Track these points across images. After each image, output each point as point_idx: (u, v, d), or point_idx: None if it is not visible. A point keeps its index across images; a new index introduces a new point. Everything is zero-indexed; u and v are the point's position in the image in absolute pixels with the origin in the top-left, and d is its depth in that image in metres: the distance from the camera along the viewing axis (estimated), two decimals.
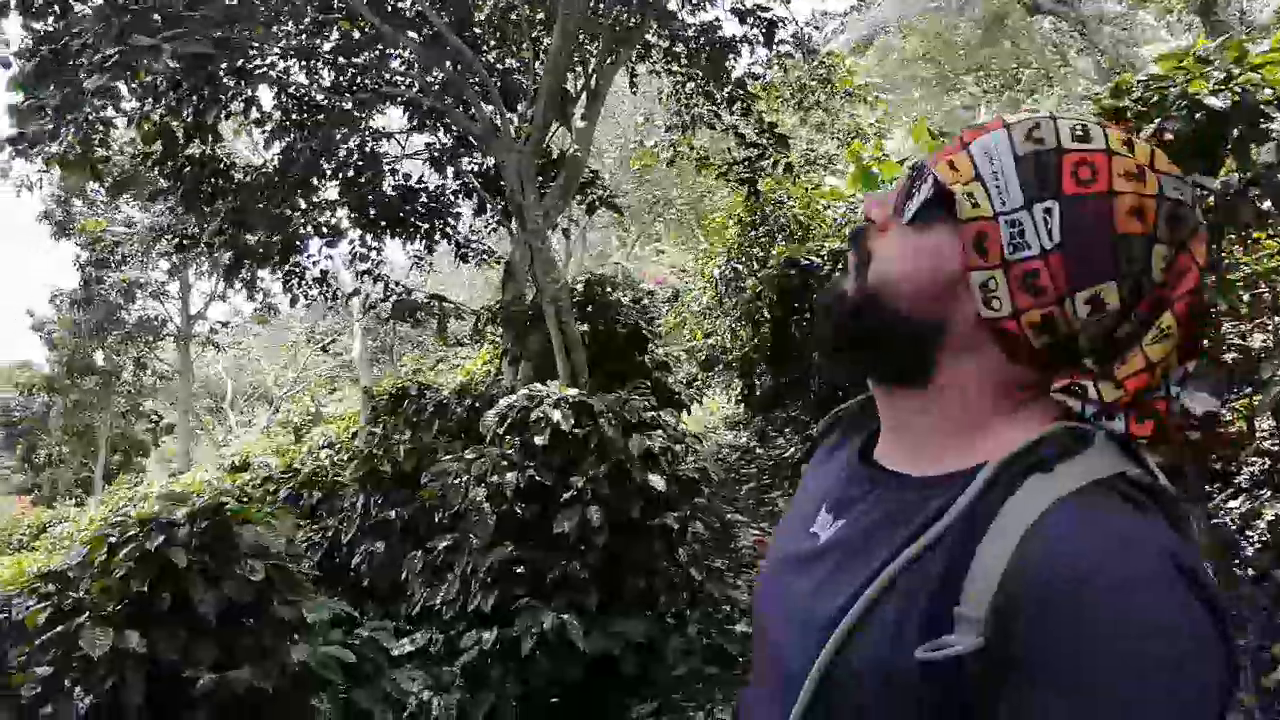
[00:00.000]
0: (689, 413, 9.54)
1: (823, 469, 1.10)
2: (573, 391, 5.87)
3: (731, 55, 10.39)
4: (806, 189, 11.31)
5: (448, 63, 8.56)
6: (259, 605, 3.79)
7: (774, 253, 10.71)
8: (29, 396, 23.72)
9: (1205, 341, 0.84)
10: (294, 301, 11.96)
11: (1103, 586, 0.73)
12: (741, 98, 10.54)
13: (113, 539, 3.81)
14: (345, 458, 8.58)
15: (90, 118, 7.01)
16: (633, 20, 9.62)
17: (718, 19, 10.24)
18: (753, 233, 11.43)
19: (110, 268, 19.82)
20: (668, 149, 13.65)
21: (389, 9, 8.96)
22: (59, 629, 3.51)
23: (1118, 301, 0.85)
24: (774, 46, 9.78)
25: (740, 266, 11.44)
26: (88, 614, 3.51)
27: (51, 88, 6.67)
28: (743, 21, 9.54)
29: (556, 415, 5.56)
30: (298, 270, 10.73)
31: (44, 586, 3.79)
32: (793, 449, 10.77)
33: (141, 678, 3.49)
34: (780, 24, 9.47)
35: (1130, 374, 0.86)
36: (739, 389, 11.64)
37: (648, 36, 10.56)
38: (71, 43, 6.38)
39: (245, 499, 5.40)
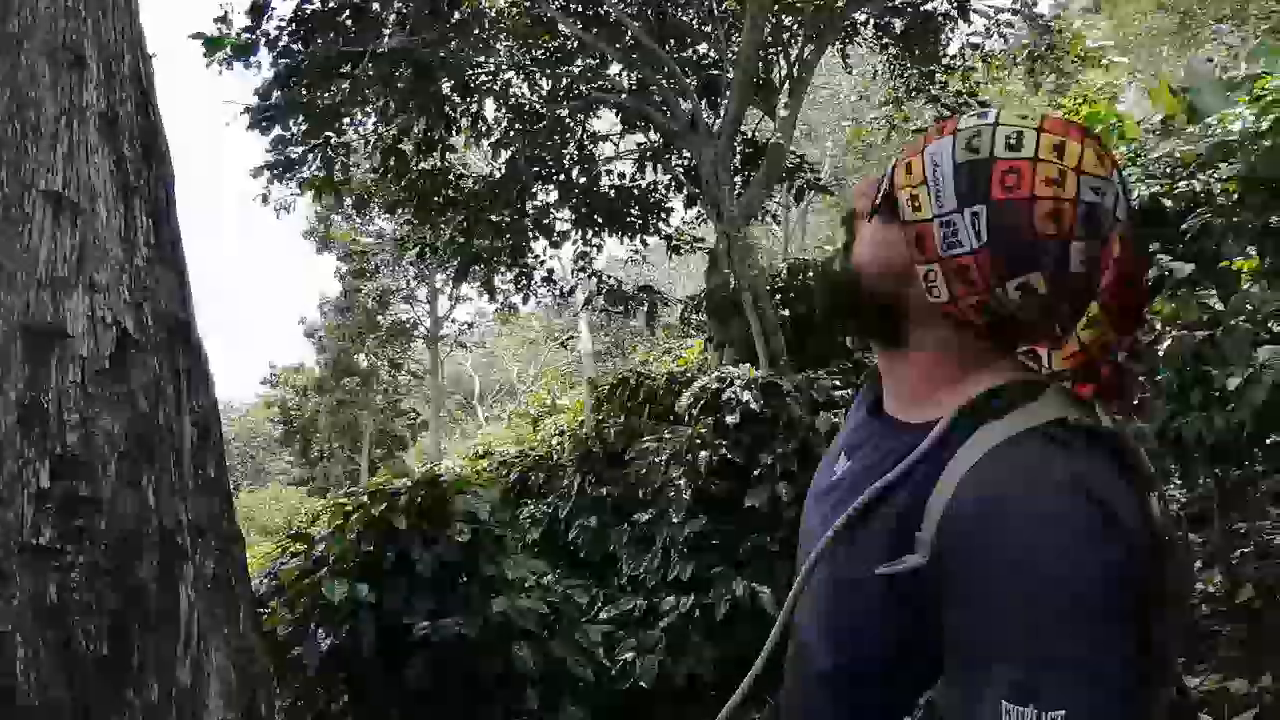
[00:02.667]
0: None
1: (850, 419, 1.32)
2: (762, 373, 6.10)
3: (945, 28, 10.26)
4: None
5: (647, 66, 8.96)
6: (468, 563, 4.29)
7: None
8: (303, 396, 26.36)
9: (1141, 324, 0.95)
10: (525, 300, 12.80)
11: (1007, 512, 0.89)
12: (955, 68, 10.38)
13: (348, 507, 4.41)
14: (569, 443, 9.18)
15: (331, 143, 7.90)
16: (838, 4, 9.68)
17: None
18: None
19: (366, 277, 21.80)
20: (883, 125, 13.54)
21: (590, 18, 9.49)
22: (306, 581, 4.13)
23: (1046, 289, 0.99)
24: (969, 18, 9.56)
25: None
26: (327, 568, 4.11)
27: (299, 118, 7.58)
28: None
29: (746, 396, 5.82)
30: (526, 270, 11.52)
31: (294, 546, 4.43)
32: None
33: (371, 624, 4.05)
34: None
35: (1068, 354, 1.00)
36: None
37: (855, 16, 10.58)
38: (313, 73, 7.23)
39: (480, 481, 5.98)
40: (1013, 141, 1.00)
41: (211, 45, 7.41)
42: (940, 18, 10.12)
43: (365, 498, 4.33)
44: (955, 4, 9.47)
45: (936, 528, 0.93)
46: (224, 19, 7.46)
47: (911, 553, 0.94)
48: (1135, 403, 1.03)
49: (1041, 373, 1.06)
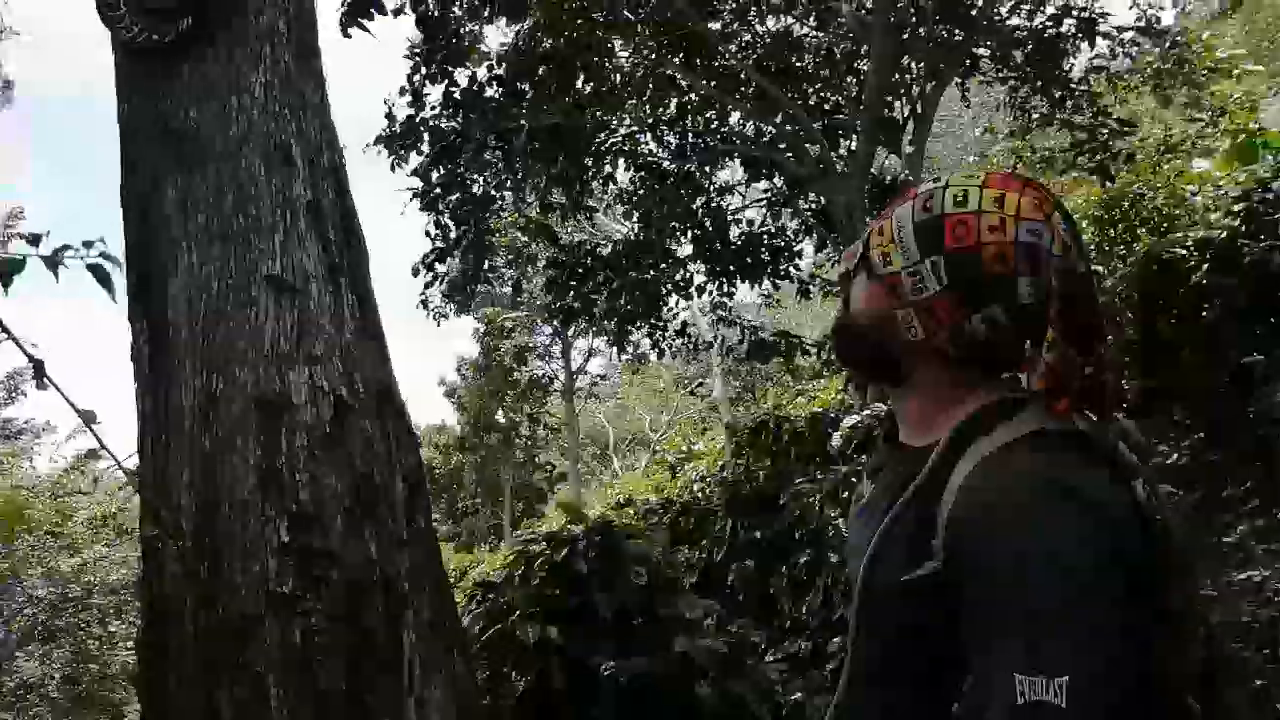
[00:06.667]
0: None
1: (876, 449, 1.51)
2: None
3: (1066, 54, 10.16)
4: (1170, 176, 10.66)
5: (769, 113, 9.15)
6: (644, 605, 4.45)
7: (1135, 249, 10.18)
8: (446, 454, 27.21)
9: (1099, 338, 1.11)
10: (661, 354, 13.04)
11: (998, 513, 1.04)
12: (1082, 94, 10.25)
13: (528, 554, 4.64)
14: (714, 488, 9.31)
15: (478, 227, 8.34)
16: (956, 38, 9.72)
17: (1048, 20, 10.06)
18: (1109, 230, 10.93)
19: (502, 335, 22.54)
20: (1009, 155, 13.40)
21: (711, 70, 9.76)
22: (498, 626, 4.35)
23: (1006, 320, 1.16)
24: (1095, 42, 9.44)
25: (1099, 266, 10.95)
26: (518, 614, 4.33)
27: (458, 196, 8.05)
28: (1058, 23, 9.34)
29: None
30: (661, 324, 11.77)
31: (480, 594, 4.67)
32: (1176, 455, 10.09)
33: (560, 666, 4.24)
34: (1101, 19, 9.14)
35: (1040, 375, 1.14)
36: None
37: (975, 50, 10.57)
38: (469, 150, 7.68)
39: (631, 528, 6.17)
40: (959, 198, 1.19)
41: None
42: (1063, 44, 10.02)
43: (545, 545, 4.55)
44: (1081, 29, 9.36)
45: (944, 535, 1.08)
46: (389, 115, 8.08)
47: (929, 560, 1.09)
48: (1109, 406, 1.16)
49: (1024, 393, 1.21)
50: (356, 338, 3.28)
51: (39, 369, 1.83)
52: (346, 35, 6.92)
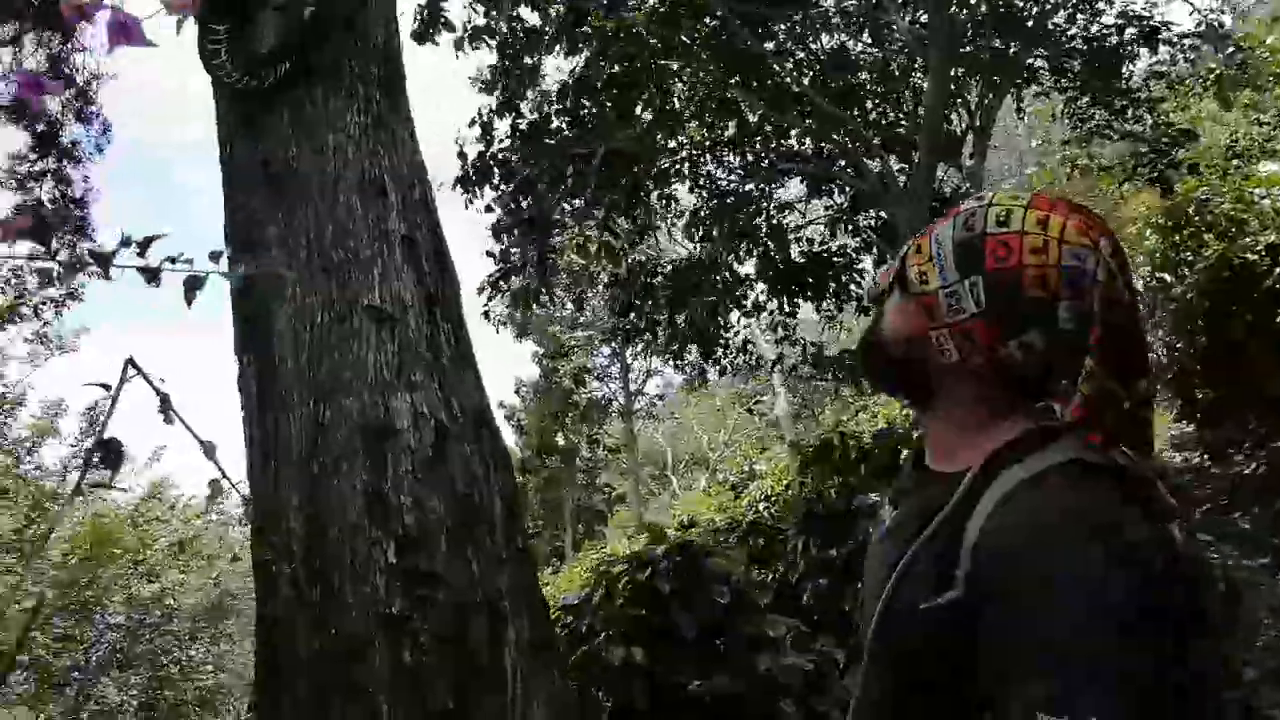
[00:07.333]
0: None
1: (901, 473, 1.49)
2: None
3: (1126, 60, 10.09)
4: (1236, 181, 10.50)
5: (829, 131, 9.21)
6: (726, 624, 4.49)
7: (1203, 255, 10.04)
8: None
9: (1142, 372, 1.06)
10: (722, 372, 13.08)
11: (1024, 546, 1.01)
12: (1142, 101, 10.16)
13: (610, 574, 4.71)
14: (781, 507, 9.31)
15: (542, 249, 8.53)
16: (1012, 49, 9.71)
17: (1108, 28, 10.01)
18: (1174, 237, 10.78)
19: (562, 357, 22.80)
20: (1064, 164, 13.30)
21: (770, 91, 9.84)
22: (584, 648, 4.42)
23: (1043, 345, 1.13)
24: (1157, 49, 9.38)
25: (1166, 275, 10.81)
26: (603, 634, 4.40)
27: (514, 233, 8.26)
28: (1121, 32, 9.28)
29: None
30: (722, 342, 11.83)
31: (564, 617, 4.75)
32: (1254, 465, 9.88)
33: (645, 686, 4.30)
34: (1164, 28, 9.07)
35: (1075, 405, 1.11)
36: (1179, 404, 10.90)
37: (1030, 61, 10.54)
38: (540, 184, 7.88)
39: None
40: (1002, 218, 1.16)
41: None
42: (1123, 51, 9.95)
43: (627, 565, 4.62)
44: (1142, 36, 9.30)
45: (968, 564, 1.06)
46: (461, 154, 8.35)
47: (951, 589, 1.06)
48: (1148, 443, 1.12)
49: (1058, 423, 1.17)
50: (452, 363, 3.39)
51: (165, 402, 1.92)
52: (420, 43, 7.21)
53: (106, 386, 1.83)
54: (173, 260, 1.72)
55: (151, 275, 1.77)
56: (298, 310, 3.25)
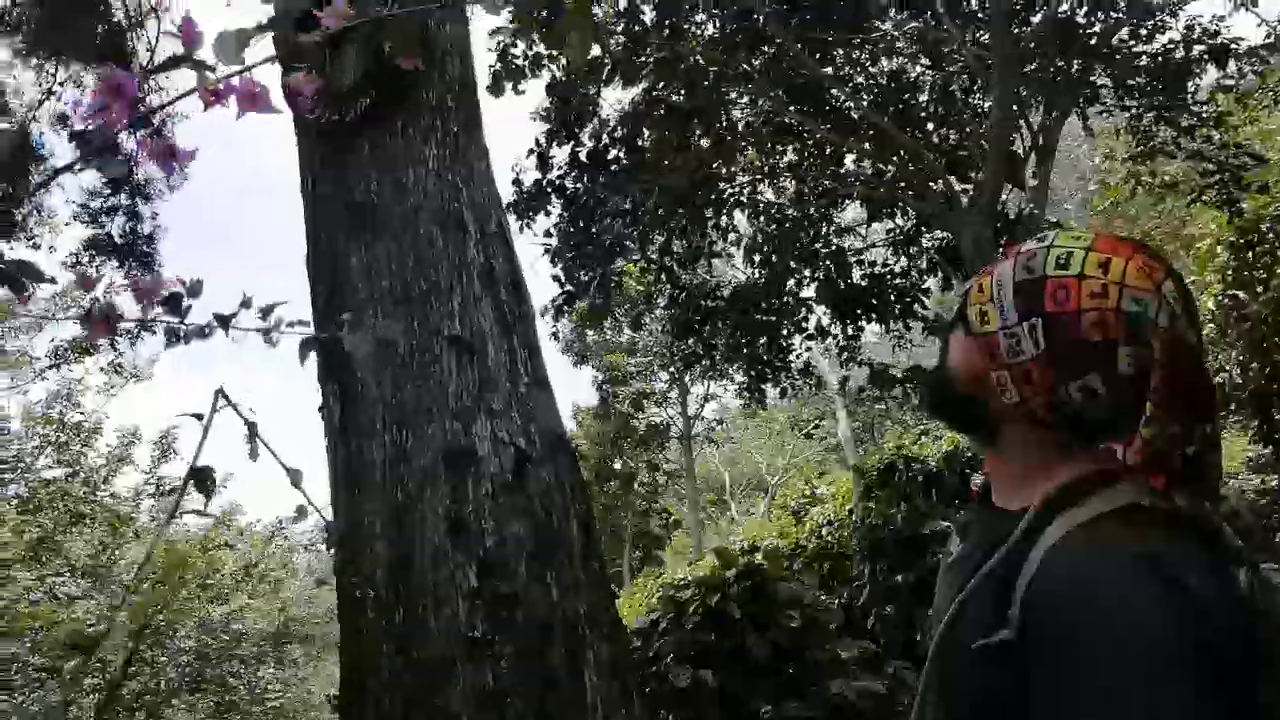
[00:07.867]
0: None
1: (968, 509, 1.50)
2: None
3: (1192, 76, 9.92)
4: None
5: (889, 153, 9.19)
6: (795, 649, 4.48)
7: (1277, 273, 9.83)
8: None
9: (1207, 415, 1.03)
10: (783, 394, 13.04)
11: (1080, 590, 1.00)
12: (1209, 118, 9.98)
13: (678, 599, 4.72)
14: (845, 533, 9.25)
15: (605, 273, 8.62)
16: (1075, 68, 9.61)
17: (1173, 43, 9.87)
18: (1248, 254, 10.57)
19: (621, 383, 22.89)
20: (1128, 182, 13.13)
21: (828, 114, 9.85)
22: (652, 669, 4.44)
23: (1103, 389, 1.12)
24: (1226, 66, 9.22)
25: (1240, 293, 10.60)
26: (671, 656, 4.41)
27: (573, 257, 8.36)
28: (1188, 49, 9.15)
29: None
30: (784, 365, 11.80)
31: (633, 641, 4.77)
32: None
33: (716, 709, 4.30)
34: (1234, 44, 8.93)
35: (1136, 449, 1.09)
36: (1255, 426, 10.65)
37: (1093, 79, 10.42)
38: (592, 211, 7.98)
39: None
40: (1062, 261, 1.15)
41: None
42: (1191, 66, 9.80)
43: (696, 589, 4.63)
44: (1210, 54, 9.15)
45: (1021, 605, 1.05)
46: (516, 181, 8.49)
47: (1005, 628, 1.05)
48: (1214, 487, 1.10)
49: (1119, 466, 1.16)
50: (530, 390, 3.45)
51: (253, 431, 2.00)
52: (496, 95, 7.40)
53: (199, 416, 1.92)
54: (290, 324, 1.81)
55: (268, 336, 1.88)
56: (379, 339, 3.34)
